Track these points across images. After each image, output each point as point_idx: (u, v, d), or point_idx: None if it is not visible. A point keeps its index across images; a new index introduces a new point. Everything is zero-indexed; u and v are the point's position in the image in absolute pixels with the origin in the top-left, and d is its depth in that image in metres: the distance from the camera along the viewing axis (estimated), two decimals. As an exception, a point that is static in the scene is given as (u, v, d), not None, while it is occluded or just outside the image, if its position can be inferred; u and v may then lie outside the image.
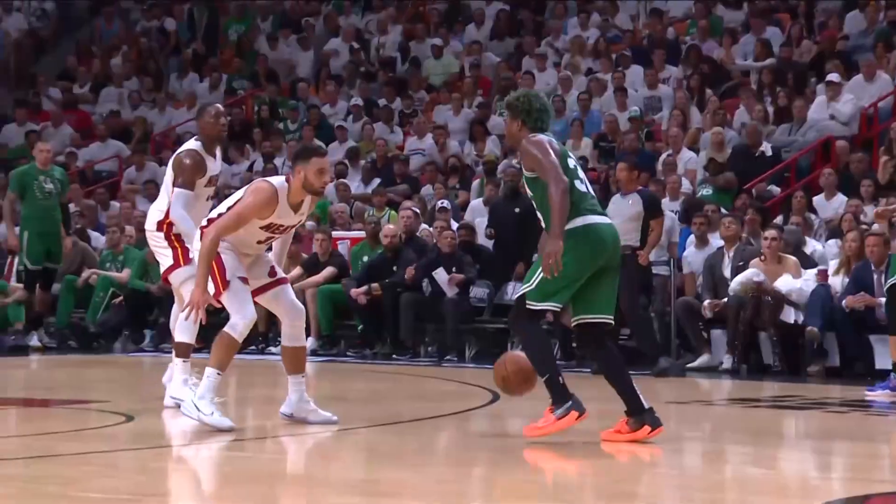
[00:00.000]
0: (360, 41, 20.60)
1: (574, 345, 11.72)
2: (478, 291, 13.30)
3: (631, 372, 6.45)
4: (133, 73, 21.39)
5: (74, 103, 20.42)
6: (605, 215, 6.38)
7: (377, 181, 16.49)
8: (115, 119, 19.87)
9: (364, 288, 13.14)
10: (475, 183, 15.78)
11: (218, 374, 6.66)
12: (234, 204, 6.67)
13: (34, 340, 13.89)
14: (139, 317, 14.27)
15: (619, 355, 6.41)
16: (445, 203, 14.77)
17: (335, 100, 19.31)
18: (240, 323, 6.65)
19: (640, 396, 6.31)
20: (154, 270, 13.33)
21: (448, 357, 12.83)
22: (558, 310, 6.41)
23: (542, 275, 6.15)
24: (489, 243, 13.83)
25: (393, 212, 15.06)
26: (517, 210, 13.47)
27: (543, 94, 6.74)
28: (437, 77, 19.42)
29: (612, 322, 6.36)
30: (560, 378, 6.24)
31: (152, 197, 17.03)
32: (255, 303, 6.84)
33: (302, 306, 7.02)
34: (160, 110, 20.25)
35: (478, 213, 14.72)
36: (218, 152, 8.16)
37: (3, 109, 21.18)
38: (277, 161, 17.58)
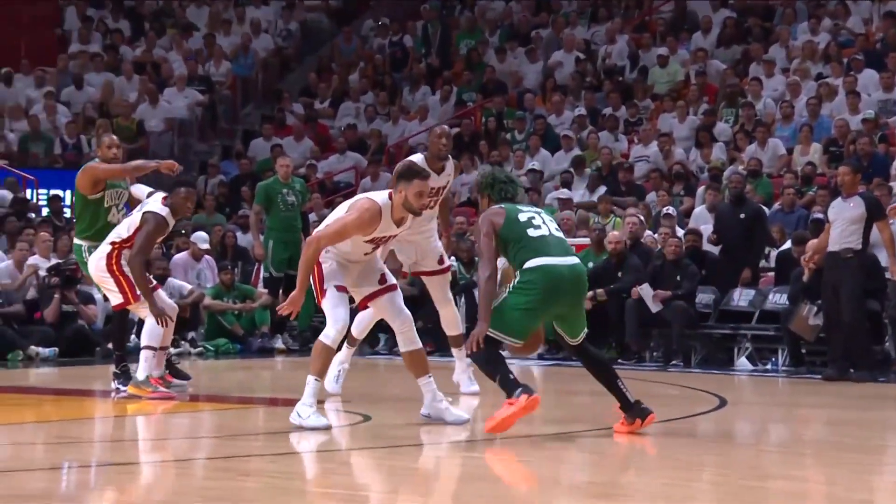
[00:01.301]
0: (586, 52, 20.53)
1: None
2: (703, 297, 13.06)
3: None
4: (369, 88, 21.94)
5: (315, 118, 21.10)
6: (569, 254, 6.66)
7: (602, 189, 16.40)
8: (352, 132, 20.42)
9: (589, 294, 13.09)
10: (700, 189, 15.48)
11: (316, 380, 6.86)
12: (340, 217, 6.82)
13: (279, 343, 14.40)
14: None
15: (602, 359, 6.98)
16: (670, 210, 14.56)
17: (561, 109, 19.30)
18: (332, 330, 6.89)
19: (627, 393, 6.74)
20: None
21: (674, 362, 12.63)
22: (515, 345, 6.64)
23: (502, 298, 6.57)
24: (715, 249, 13.55)
25: (618, 219, 14.93)
26: (742, 216, 13.15)
27: (503, 170, 7.05)
28: (662, 85, 19.17)
29: (580, 341, 6.77)
30: (511, 375, 6.53)
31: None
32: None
33: (408, 312, 7.12)
34: (394, 123, 20.71)
35: (702, 220, 14.45)
36: (448, 165, 8.32)
37: (252, 125, 22.08)
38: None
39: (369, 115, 21.05)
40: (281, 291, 14.11)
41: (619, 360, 12.81)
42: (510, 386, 6.53)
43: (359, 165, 19.76)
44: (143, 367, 8.61)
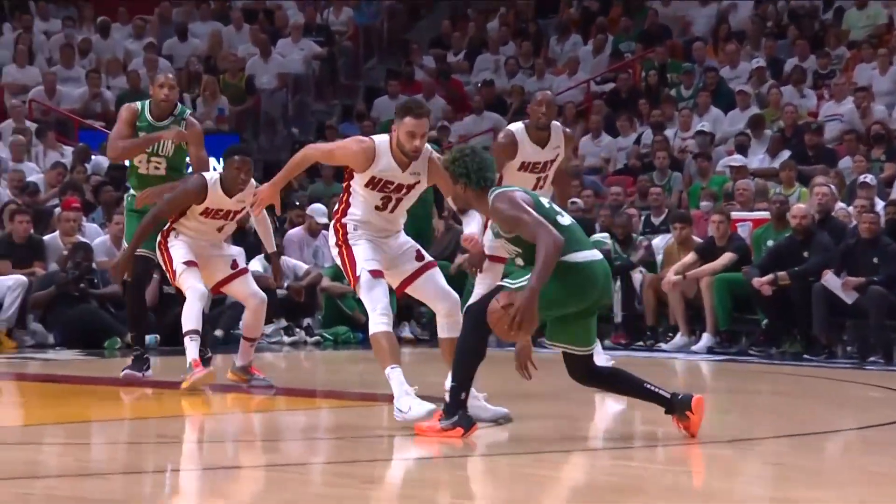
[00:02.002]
0: (766, -8, 20.17)
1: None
2: (908, 282, 12.70)
3: None
4: (510, 38, 21.91)
5: (448, 72, 21.15)
6: (592, 247, 6.64)
7: (785, 153, 16.08)
8: (490, 89, 20.41)
9: (769, 277, 12.84)
10: (904, 154, 15.10)
11: (392, 368, 7.03)
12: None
13: (406, 331, 14.50)
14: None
15: (614, 372, 6.84)
16: (868, 178, 14.20)
17: (736, 61, 18.98)
18: (375, 317, 7.03)
19: (660, 391, 6.64)
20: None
21: (872, 358, 12.34)
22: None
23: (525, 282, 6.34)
24: (921, 225, 13.18)
25: (804, 189, 14.63)
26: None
27: (479, 148, 6.81)
28: (859, 30, 18.69)
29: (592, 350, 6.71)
30: (464, 395, 6.60)
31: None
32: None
33: (455, 294, 7.22)
34: (538, 78, 20.63)
35: (907, 190, 14.08)
36: (554, 136, 8.60)
37: (376, 81, 22.25)
38: (669, 132, 17.51)
39: (510, 68, 21.03)
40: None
41: (805, 356, 12.56)
42: (453, 408, 6.60)
43: (497, 127, 19.74)
44: (188, 353, 8.78)
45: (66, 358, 11.84)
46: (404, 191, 7.24)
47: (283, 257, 14.33)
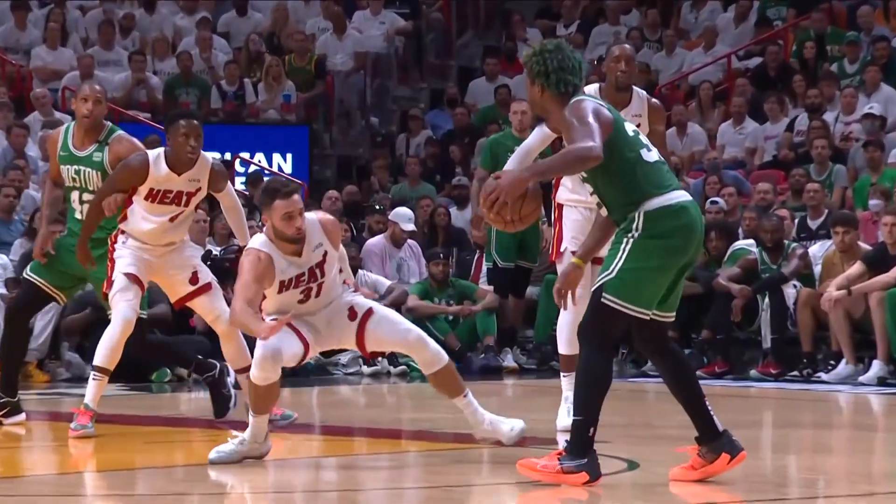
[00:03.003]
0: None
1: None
2: None
3: None
4: (633, 6, 21.83)
5: (558, 48, 21.07)
6: (680, 186, 6.70)
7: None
8: (610, 67, 20.34)
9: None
10: None
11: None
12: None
13: (509, 360, 14.49)
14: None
15: (687, 362, 6.97)
16: None
17: (911, 28, 18.75)
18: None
19: (714, 417, 6.68)
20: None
21: None
22: (646, 318, 6.64)
23: (625, 254, 6.49)
24: None
25: None
26: None
27: (567, 46, 6.84)
28: None
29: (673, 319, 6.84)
30: (592, 430, 6.60)
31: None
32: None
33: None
34: (668, 52, 20.54)
35: None
36: (635, 99, 8.78)
37: (471, 60, 22.28)
38: (829, 116, 17.32)
39: (634, 41, 20.93)
40: (511, 290, 14.20)
41: None
42: (580, 444, 6.62)
43: (619, 112, 19.69)
44: (87, 394, 8.80)
45: (106, 393, 11.97)
46: (323, 266, 7.64)
47: (361, 271, 14.41)
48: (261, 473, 7.80)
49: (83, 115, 9.02)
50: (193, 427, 9.69)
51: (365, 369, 14.05)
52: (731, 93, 19.04)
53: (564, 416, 8.84)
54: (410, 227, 15.25)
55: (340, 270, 7.79)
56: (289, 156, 19.38)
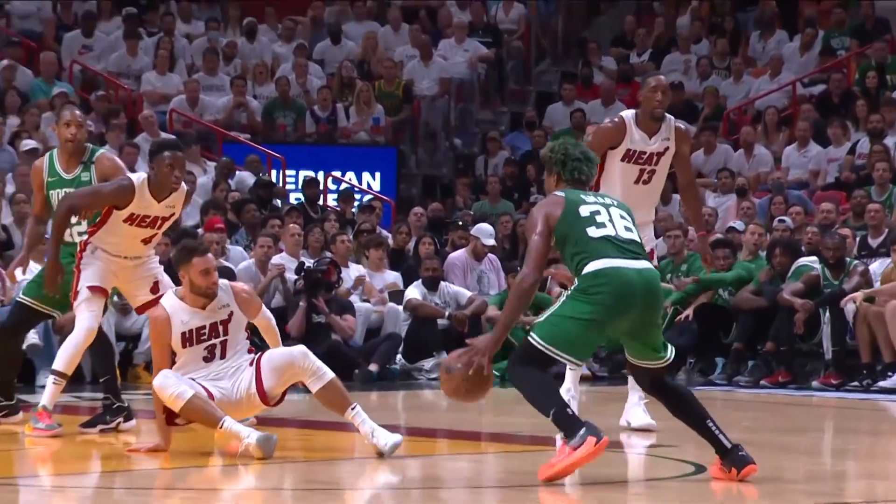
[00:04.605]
0: None
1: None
2: None
3: None
4: (703, 35, 21.70)
5: (630, 75, 21.04)
6: (639, 257, 6.81)
7: None
8: (679, 92, 20.20)
9: None
10: None
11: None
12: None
13: (582, 367, 14.44)
14: (711, 338, 14.38)
15: (685, 392, 7.06)
16: None
17: (969, 57, 18.51)
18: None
19: (720, 436, 6.84)
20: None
21: None
22: (577, 366, 7.10)
23: (559, 305, 6.75)
24: None
25: None
26: None
27: (582, 143, 7.24)
28: None
29: (666, 362, 6.92)
30: (568, 409, 6.74)
31: (726, 189, 17.29)
32: None
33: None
34: (735, 79, 20.40)
35: None
36: (664, 128, 8.78)
37: (549, 85, 22.25)
38: (889, 140, 17.12)
39: (703, 69, 20.84)
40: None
41: None
42: (568, 424, 6.68)
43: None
44: (43, 396, 8.79)
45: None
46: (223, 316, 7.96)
47: (443, 283, 14.40)
48: (353, 470, 7.81)
49: (67, 139, 8.96)
50: (284, 426, 9.70)
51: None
52: (796, 118, 18.88)
53: (640, 415, 9.02)
54: (491, 241, 15.23)
55: (250, 339, 8.08)
56: (377, 175, 19.43)
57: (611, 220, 6.89)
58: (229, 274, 13.50)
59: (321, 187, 18.10)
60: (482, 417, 10.11)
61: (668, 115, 8.97)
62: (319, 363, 7.81)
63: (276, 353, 7.94)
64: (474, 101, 21.44)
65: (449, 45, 21.43)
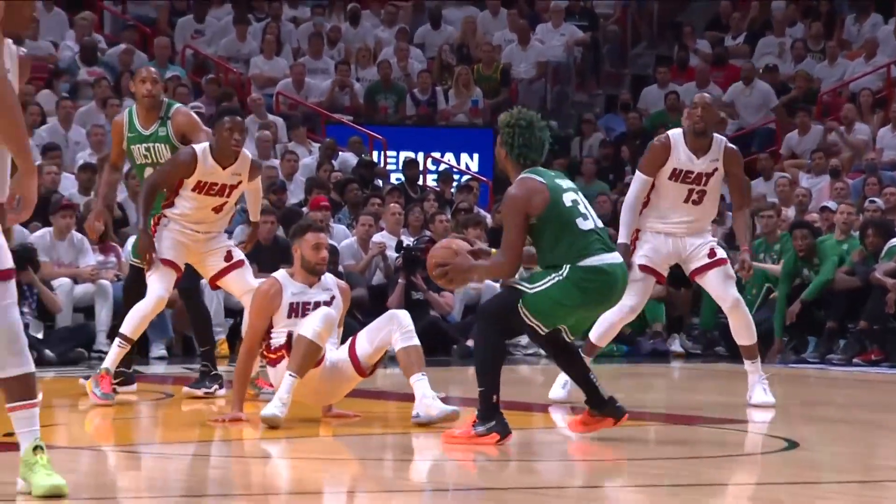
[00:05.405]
0: None
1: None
2: None
3: None
4: (798, 18, 21.41)
5: (725, 58, 20.81)
6: (613, 250, 7.06)
7: None
8: (773, 75, 20.00)
9: None
10: None
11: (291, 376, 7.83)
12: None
13: (676, 345, 14.33)
14: (804, 317, 14.16)
15: (573, 348, 7.28)
16: None
17: None
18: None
19: (599, 387, 7.14)
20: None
21: None
22: (541, 332, 7.02)
23: (549, 285, 6.87)
24: None
25: None
26: None
27: (539, 124, 7.19)
28: None
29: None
30: (495, 397, 6.99)
31: (820, 170, 17.04)
32: None
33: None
34: (830, 62, 20.11)
35: None
36: (714, 145, 8.73)
37: (644, 68, 22.07)
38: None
39: (797, 52, 20.56)
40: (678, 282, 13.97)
41: None
42: (487, 409, 6.98)
43: (776, 116, 19.32)
44: (107, 359, 8.86)
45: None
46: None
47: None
48: (433, 438, 7.80)
49: (143, 94, 9.13)
50: (385, 399, 9.73)
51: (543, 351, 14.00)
52: (891, 100, 18.56)
53: (559, 388, 9.12)
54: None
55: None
56: (475, 156, 19.40)
57: (587, 208, 7.05)
58: (333, 251, 13.56)
59: (421, 168, 18.10)
60: (576, 393, 10.05)
61: (719, 136, 8.93)
62: (412, 327, 7.89)
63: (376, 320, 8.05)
64: (570, 83, 21.33)
65: (546, 30, 21.33)
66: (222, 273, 8.96)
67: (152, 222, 8.87)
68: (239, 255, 9.04)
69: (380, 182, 17.13)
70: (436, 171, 18.69)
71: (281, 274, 8.09)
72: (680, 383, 12.61)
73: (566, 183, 7.14)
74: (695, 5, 23.17)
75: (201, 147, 8.77)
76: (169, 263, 8.79)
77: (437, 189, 17.54)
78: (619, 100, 20.92)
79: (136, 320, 8.78)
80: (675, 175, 8.78)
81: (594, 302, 7.02)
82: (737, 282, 9.06)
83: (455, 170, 18.66)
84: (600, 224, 7.09)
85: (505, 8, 21.78)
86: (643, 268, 8.84)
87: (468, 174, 18.57)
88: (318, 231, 8.05)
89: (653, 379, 12.56)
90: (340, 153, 17.64)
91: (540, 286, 6.90)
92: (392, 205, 14.84)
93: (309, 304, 7.96)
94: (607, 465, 6.94)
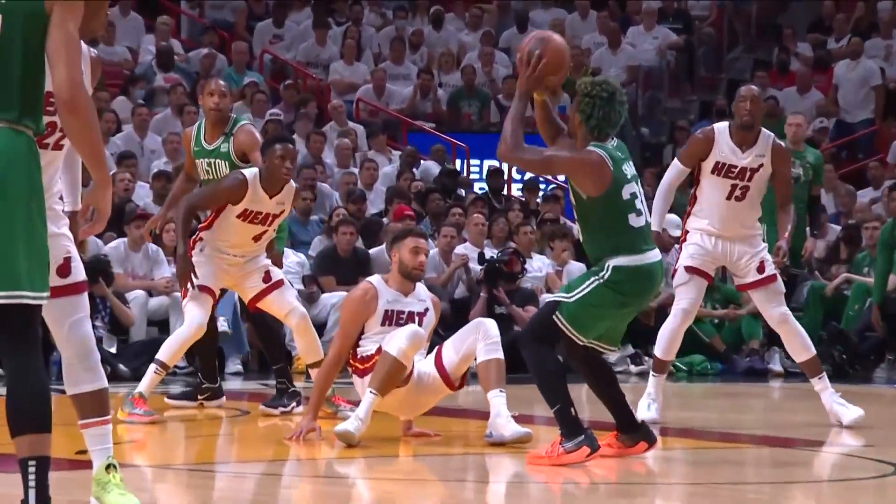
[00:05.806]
0: None
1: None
2: None
3: None
4: (908, 19, 21.19)
5: (828, 62, 20.58)
6: (654, 246, 7.15)
7: None
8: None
9: None
10: None
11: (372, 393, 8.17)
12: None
13: (775, 363, 14.16)
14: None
15: (607, 367, 7.43)
16: None
17: None
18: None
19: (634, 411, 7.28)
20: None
21: None
22: (580, 343, 7.06)
23: (588, 290, 6.94)
24: None
25: None
26: None
27: (620, 97, 7.26)
28: None
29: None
30: (572, 410, 6.98)
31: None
32: None
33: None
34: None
35: None
36: (761, 140, 8.71)
37: (741, 73, 21.88)
38: None
39: (904, 54, 20.31)
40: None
41: None
42: (569, 425, 6.97)
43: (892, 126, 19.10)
44: (142, 382, 8.91)
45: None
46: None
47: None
48: (494, 459, 7.76)
49: (210, 108, 9.17)
50: (466, 418, 9.70)
51: (632, 368, 13.92)
52: None
53: (644, 410, 9.02)
54: (677, 232, 14.97)
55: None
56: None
57: (642, 202, 7.09)
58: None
59: (505, 177, 18.06)
60: (667, 412, 9.98)
61: (767, 131, 8.91)
62: (499, 338, 7.91)
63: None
64: (663, 89, 21.22)
65: (637, 32, 21.23)
66: (262, 294, 9.01)
67: (188, 247, 8.92)
68: (278, 274, 9.08)
69: (462, 192, 17.12)
70: (521, 181, 18.64)
71: (376, 279, 8.14)
72: (778, 403, 12.47)
73: (630, 170, 7.15)
74: (795, 6, 22.95)
75: (252, 173, 8.80)
76: (205, 289, 8.85)
77: (523, 199, 17.49)
78: (715, 106, 20.69)
79: (174, 347, 8.88)
80: (718, 169, 8.80)
81: (631, 304, 7.10)
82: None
83: (541, 179, 18.62)
84: (648, 220, 7.18)
85: (595, 10, 21.70)
86: (689, 269, 9.00)
87: (554, 183, 18.52)
88: (420, 236, 8.15)
89: (749, 399, 12.43)
90: (422, 161, 17.65)
91: (578, 293, 6.98)
92: (475, 215, 14.81)
93: (403, 313, 8.00)
94: (700, 489, 6.87)
